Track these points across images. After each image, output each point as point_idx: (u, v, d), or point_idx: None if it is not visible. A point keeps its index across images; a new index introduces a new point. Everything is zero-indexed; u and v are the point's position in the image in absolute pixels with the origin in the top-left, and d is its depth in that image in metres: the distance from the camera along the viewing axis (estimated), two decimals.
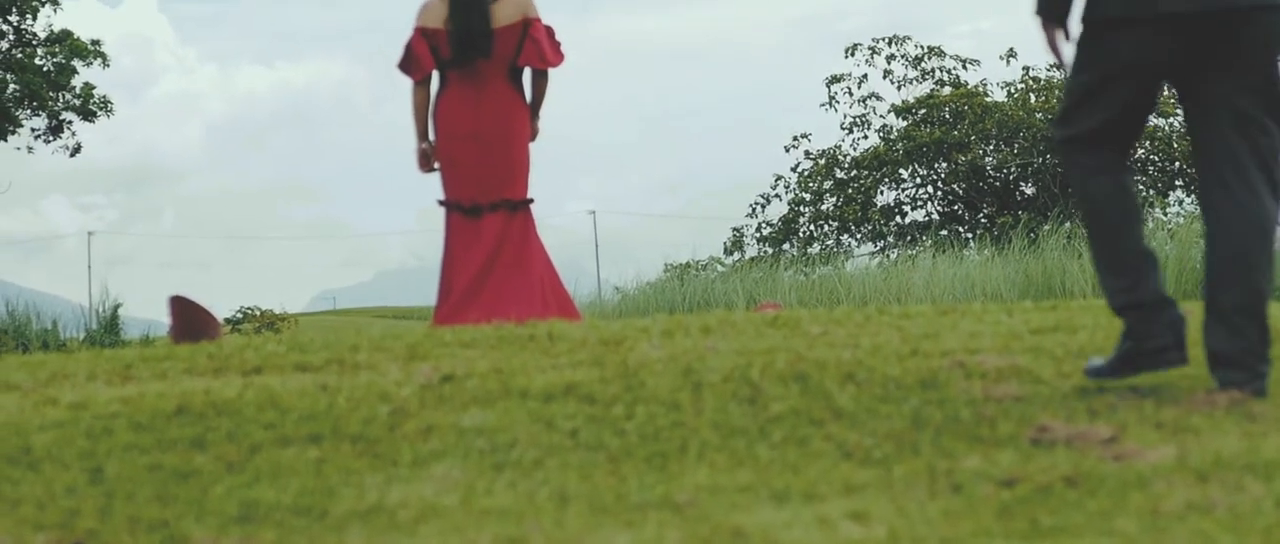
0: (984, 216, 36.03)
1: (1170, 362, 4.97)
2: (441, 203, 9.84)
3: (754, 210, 39.00)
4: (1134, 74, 4.98)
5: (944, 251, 24.59)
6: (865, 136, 38.55)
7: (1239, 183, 4.90)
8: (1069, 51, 5.10)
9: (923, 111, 36.87)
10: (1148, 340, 4.94)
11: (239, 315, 33.83)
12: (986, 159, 35.82)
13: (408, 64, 9.80)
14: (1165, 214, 29.28)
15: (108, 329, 26.84)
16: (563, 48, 9.87)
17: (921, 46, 38.89)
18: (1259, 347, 4.80)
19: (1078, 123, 5.07)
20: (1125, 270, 5.00)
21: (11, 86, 33.27)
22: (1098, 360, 5.15)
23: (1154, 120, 35.22)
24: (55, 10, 34.16)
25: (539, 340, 6.56)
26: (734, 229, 38.97)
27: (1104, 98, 5.01)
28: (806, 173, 38.26)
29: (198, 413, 5.02)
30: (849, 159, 38.07)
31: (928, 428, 4.40)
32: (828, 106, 39.23)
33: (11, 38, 34.03)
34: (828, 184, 37.84)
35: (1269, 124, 4.93)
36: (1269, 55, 4.93)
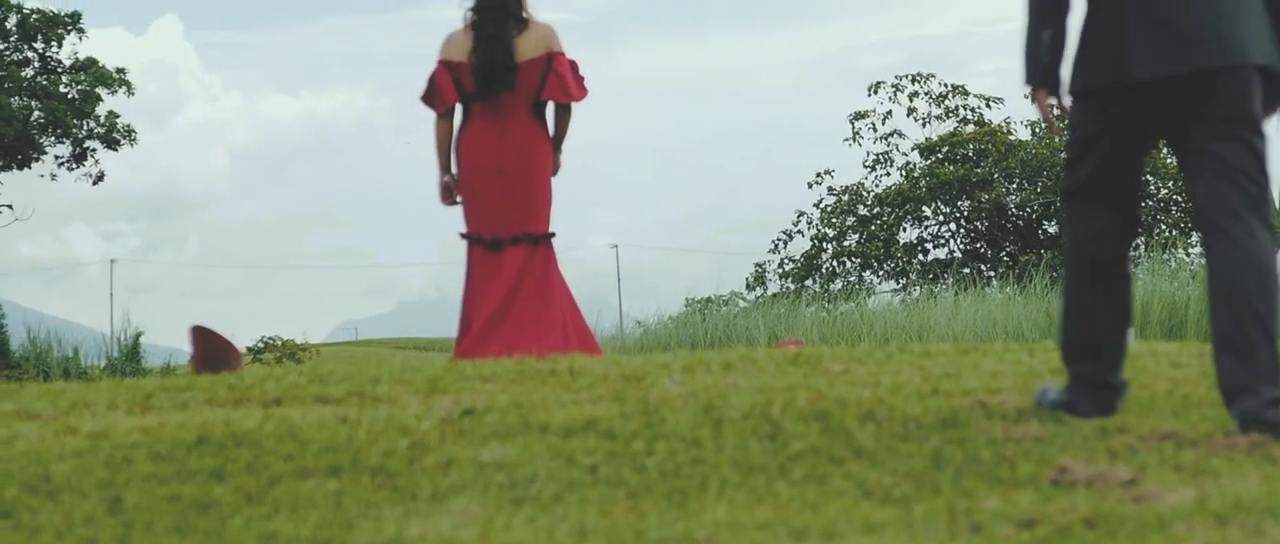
0: (1006, 255, 35.97)
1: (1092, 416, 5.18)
2: (463, 236, 9.84)
3: (777, 246, 38.98)
4: (1119, 134, 5.18)
5: (966, 290, 24.54)
6: (887, 174, 38.54)
7: (1235, 226, 5.02)
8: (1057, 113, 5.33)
9: (946, 149, 36.85)
10: (1079, 405, 5.20)
11: (261, 345, 33.90)
12: (1010, 198, 35.77)
13: (431, 96, 9.80)
14: (1188, 255, 29.20)
15: (129, 357, 26.89)
16: (586, 82, 9.88)
17: (945, 84, 38.88)
18: (1269, 372, 4.84)
19: (1075, 177, 5.29)
20: (1083, 350, 5.25)
21: (36, 113, 33.35)
22: (1052, 389, 5.37)
23: (1176, 160, 35.19)
24: (81, 38, 34.26)
25: (560, 375, 6.56)
26: (756, 264, 38.94)
27: (1095, 155, 5.22)
28: (830, 209, 38.24)
29: (217, 444, 5.02)
30: (872, 196, 38.05)
31: (948, 467, 4.39)
32: (851, 143, 39.23)
33: (37, 65, 34.12)
34: (851, 220, 37.82)
35: (1257, 175, 5.07)
36: (1244, 108, 5.06)
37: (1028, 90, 5.40)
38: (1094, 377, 5.23)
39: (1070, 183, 5.32)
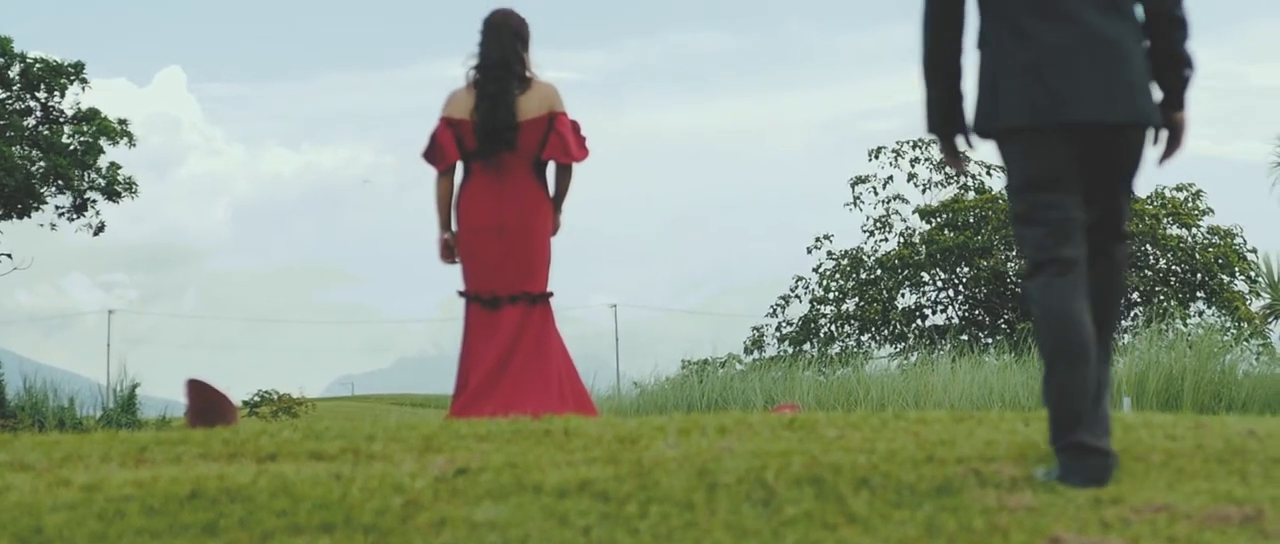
0: (1004, 322, 35.99)
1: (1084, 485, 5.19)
2: (461, 294, 9.84)
3: (775, 310, 39.00)
4: (1055, 172, 5.36)
5: (963, 356, 24.55)
6: (887, 239, 38.58)
7: (1102, 289, 5.48)
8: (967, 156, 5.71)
9: (946, 215, 36.89)
10: (1068, 479, 5.17)
11: (257, 398, 33.84)
12: (1009, 265, 35.79)
13: (432, 154, 9.82)
14: (1185, 325, 29.22)
15: (125, 408, 26.85)
16: (588, 142, 9.89)
17: (963, 140, 38.88)
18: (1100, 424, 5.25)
19: (1031, 241, 5.42)
20: (1066, 411, 5.30)
21: (38, 163, 33.34)
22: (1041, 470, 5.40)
23: (1177, 230, 35.27)
24: (84, 88, 34.26)
25: (554, 435, 6.55)
26: (754, 328, 38.98)
27: (1041, 204, 5.38)
28: (829, 273, 38.27)
29: (211, 498, 5.01)
30: (872, 260, 38.09)
31: (941, 536, 4.38)
32: (852, 207, 39.28)
33: (39, 114, 34.13)
34: (849, 285, 37.85)
35: (1124, 235, 5.56)
36: (1117, 158, 5.43)
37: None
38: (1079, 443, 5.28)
39: (1031, 251, 5.43)
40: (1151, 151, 5.59)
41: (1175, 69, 5.56)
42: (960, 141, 5.69)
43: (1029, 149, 5.36)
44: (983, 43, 5.52)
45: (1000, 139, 5.44)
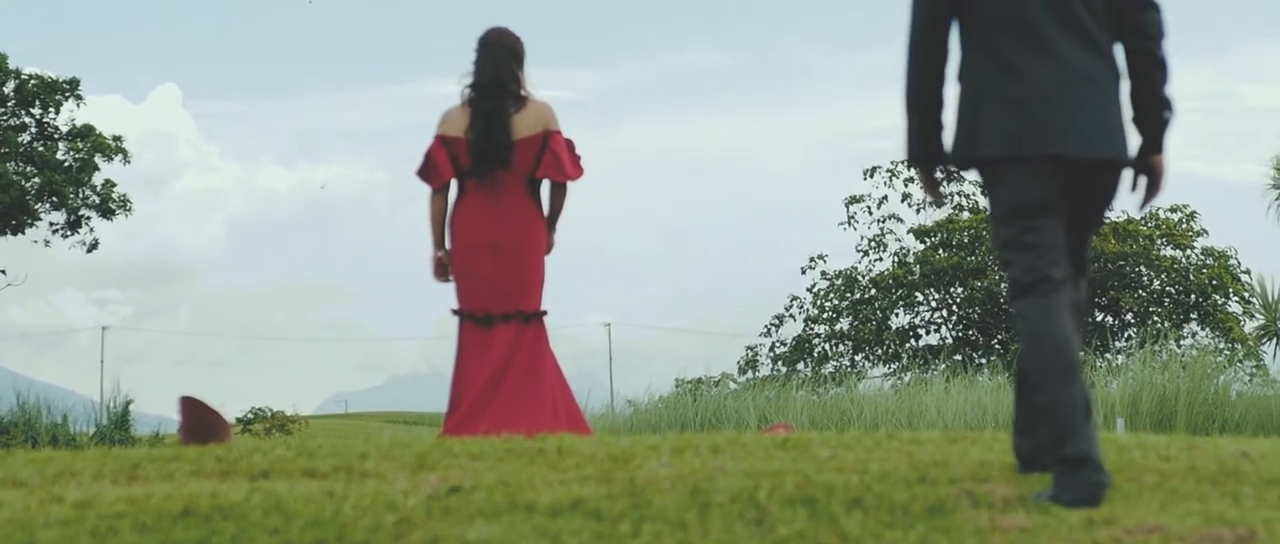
0: (998, 343, 36.00)
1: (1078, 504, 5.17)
2: (455, 312, 9.84)
3: (769, 329, 39.00)
4: (1037, 200, 5.43)
5: (957, 376, 24.56)
6: (881, 258, 38.60)
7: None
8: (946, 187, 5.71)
9: (940, 235, 36.90)
10: (1062, 496, 5.16)
11: (250, 416, 33.85)
12: (1002, 285, 35.79)
13: (426, 171, 9.81)
14: (1179, 346, 29.23)
15: (118, 425, 26.80)
16: (582, 161, 9.89)
17: (942, 170, 38.90)
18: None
19: (1020, 264, 5.46)
20: (1061, 426, 5.31)
21: (33, 179, 33.33)
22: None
23: (1171, 251, 35.30)
24: (78, 104, 34.26)
25: (547, 454, 6.55)
26: (748, 347, 38.98)
27: (1028, 231, 5.45)
28: (823, 293, 38.28)
29: (203, 516, 5.01)
30: (866, 280, 38.10)
31: None
32: (846, 227, 39.29)
33: (34, 130, 34.13)
34: (843, 304, 37.85)
35: (1085, 272, 5.71)
36: (1090, 192, 5.54)
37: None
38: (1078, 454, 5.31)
39: (1017, 273, 5.50)
40: (1128, 192, 5.73)
41: (1155, 111, 5.65)
42: (939, 172, 5.81)
43: (1012, 178, 5.44)
44: (965, 75, 5.60)
45: (983, 169, 5.52)
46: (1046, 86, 5.41)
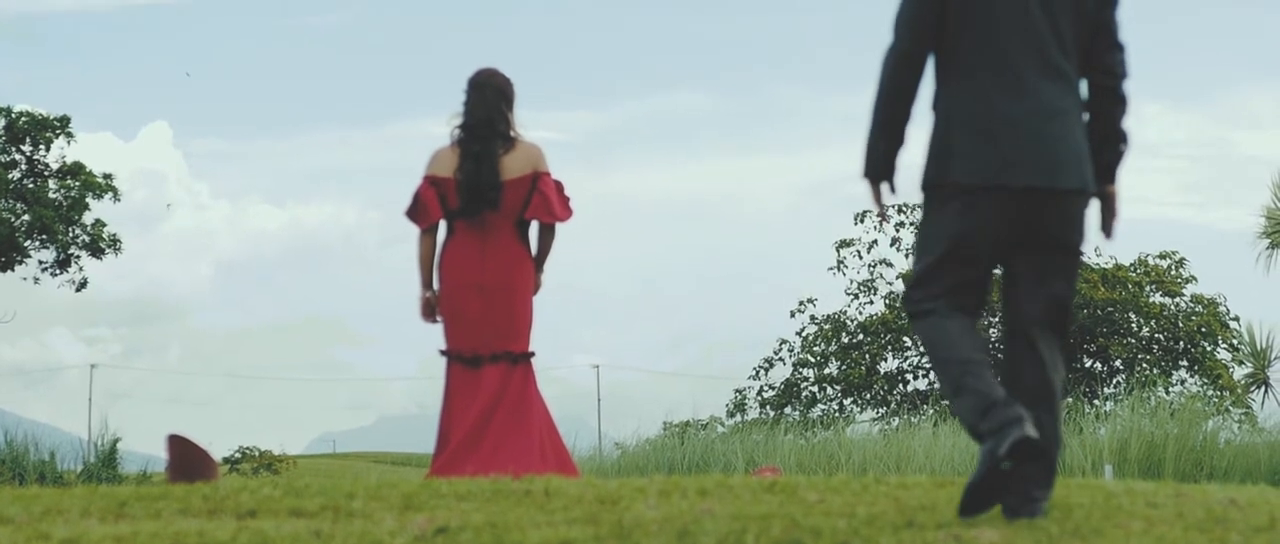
0: None
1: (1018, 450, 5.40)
2: (443, 352, 9.84)
3: (758, 372, 38.98)
4: (984, 237, 5.67)
5: (945, 421, 24.55)
6: (871, 302, 38.60)
7: (1037, 338, 5.71)
8: (888, 200, 5.97)
9: None
10: (997, 451, 5.43)
11: (238, 455, 33.80)
12: (991, 331, 35.84)
13: (415, 212, 9.82)
14: (1167, 393, 29.24)
15: (106, 463, 26.74)
16: (571, 203, 9.90)
17: (889, 187, 38.85)
18: (1040, 477, 5.57)
19: (932, 285, 5.77)
20: (984, 405, 5.58)
21: (22, 217, 33.32)
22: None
23: (1160, 298, 35.32)
24: (69, 142, 34.27)
25: (535, 495, 6.55)
26: (737, 390, 38.93)
27: (957, 261, 5.71)
28: (812, 337, 38.28)
29: None
30: (855, 324, 38.10)
31: None
32: (836, 271, 39.29)
33: (24, 167, 34.12)
34: (832, 348, 37.85)
35: (1067, 296, 5.76)
36: (1060, 221, 5.68)
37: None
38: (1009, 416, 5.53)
39: (924, 291, 5.81)
40: (1093, 222, 5.91)
41: (1113, 144, 5.90)
42: (886, 190, 5.96)
43: (967, 208, 5.64)
44: (939, 104, 5.80)
45: (945, 194, 5.69)
46: (1018, 119, 5.61)
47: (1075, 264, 5.83)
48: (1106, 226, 6.02)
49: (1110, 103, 5.88)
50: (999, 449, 5.38)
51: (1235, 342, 34.43)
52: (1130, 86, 5.94)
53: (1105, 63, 5.86)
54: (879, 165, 5.89)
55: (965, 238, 5.68)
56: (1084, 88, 5.88)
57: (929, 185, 5.76)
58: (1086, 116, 5.86)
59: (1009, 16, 5.69)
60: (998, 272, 5.89)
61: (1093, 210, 5.88)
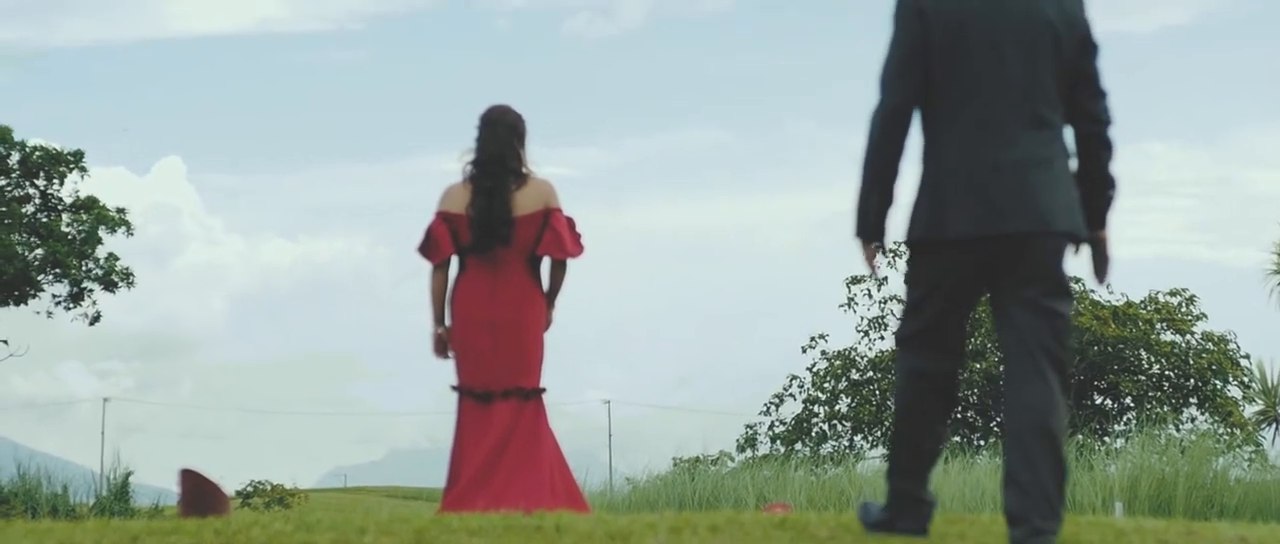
0: (996, 424, 35.95)
1: (911, 533, 6.14)
2: (454, 388, 9.85)
3: (769, 408, 38.97)
4: (943, 286, 5.89)
5: (956, 457, 24.54)
6: (882, 338, 38.60)
7: (1035, 372, 5.76)
8: (883, 264, 6.04)
9: None
10: (900, 521, 6.13)
11: (249, 489, 33.76)
12: (1000, 366, 35.79)
13: (427, 247, 9.83)
14: (1178, 430, 29.21)
15: (118, 496, 26.75)
16: (583, 239, 9.91)
17: (879, 247, 38.83)
18: (1042, 507, 5.59)
19: (907, 326, 6.05)
20: (909, 468, 6.12)
21: (36, 251, 33.33)
22: (873, 507, 6.33)
23: (1172, 337, 35.28)
24: (83, 176, 34.29)
25: (546, 531, 6.56)
26: (747, 426, 38.92)
27: (925, 307, 5.96)
28: (822, 373, 38.26)
29: None
30: (865, 360, 38.10)
31: None
32: (846, 308, 39.29)
33: (38, 201, 34.15)
34: (843, 384, 37.84)
35: (1060, 308, 5.79)
36: (1052, 266, 5.80)
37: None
38: (913, 493, 6.10)
39: (903, 331, 6.08)
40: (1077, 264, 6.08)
41: (1102, 190, 6.05)
42: (876, 252, 6.15)
43: (960, 257, 5.81)
44: (929, 159, 5.92)
45: (936, 247, 5.85)
46: (1005, 170, 5.74)
47: (1068, 291, 5.89)
48: (1099, 271, 6.13)
49: (1097, 147, 6.00)
50: (890, 523, 6.07)
51: (1246, 379, 34.40)
52: (1115, 132, 6.05)
53: (1090, 110, 5.98)
54: (871, 225, 6.03)
55: (957, 287, 5.88)
56: (1070, 136, 5.99)
57: (918, 241, 5.90)
58: (1074, 164, 5.98)
59: (990, 70, 5.80)
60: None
61: (1083, 255, 6.03)
